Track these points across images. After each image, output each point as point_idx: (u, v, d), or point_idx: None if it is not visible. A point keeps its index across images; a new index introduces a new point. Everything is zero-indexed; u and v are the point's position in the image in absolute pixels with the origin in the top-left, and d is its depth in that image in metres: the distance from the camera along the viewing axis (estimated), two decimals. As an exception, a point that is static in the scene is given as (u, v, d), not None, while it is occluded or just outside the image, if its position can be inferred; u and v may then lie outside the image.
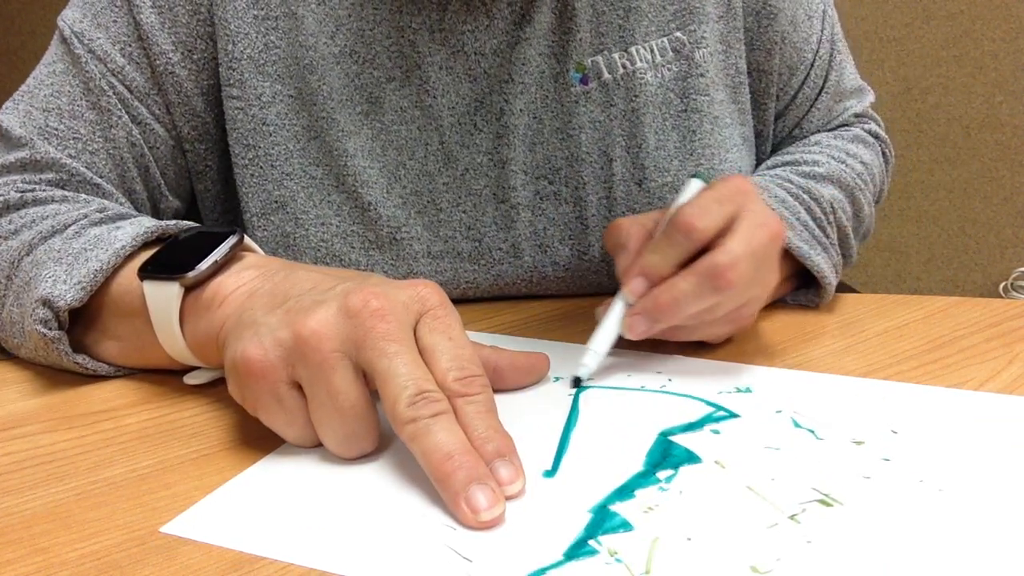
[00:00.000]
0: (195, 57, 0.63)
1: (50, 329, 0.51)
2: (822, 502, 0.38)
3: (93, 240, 0.53)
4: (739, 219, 0.51)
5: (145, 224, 0.53)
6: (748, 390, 0.50)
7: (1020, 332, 0.58)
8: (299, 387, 0.41)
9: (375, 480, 0.40)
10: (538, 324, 0.63)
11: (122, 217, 0.58)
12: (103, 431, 0.46)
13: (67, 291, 0.50)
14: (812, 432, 0.44)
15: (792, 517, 0.37)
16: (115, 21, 0.62)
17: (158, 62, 0.62)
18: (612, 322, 0.52)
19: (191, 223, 0.54)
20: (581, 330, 0.61)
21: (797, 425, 0.45)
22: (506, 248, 0.67)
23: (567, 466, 0.41)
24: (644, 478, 0.40)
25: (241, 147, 0.64)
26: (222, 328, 0.45)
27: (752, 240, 0.50)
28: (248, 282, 0.47)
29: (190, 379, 0.50)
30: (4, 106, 0.64)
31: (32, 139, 0.61)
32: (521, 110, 0.66)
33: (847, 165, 0.72)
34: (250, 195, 0.65)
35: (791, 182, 0.67)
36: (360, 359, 0.40)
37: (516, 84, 0.65)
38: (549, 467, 0.41)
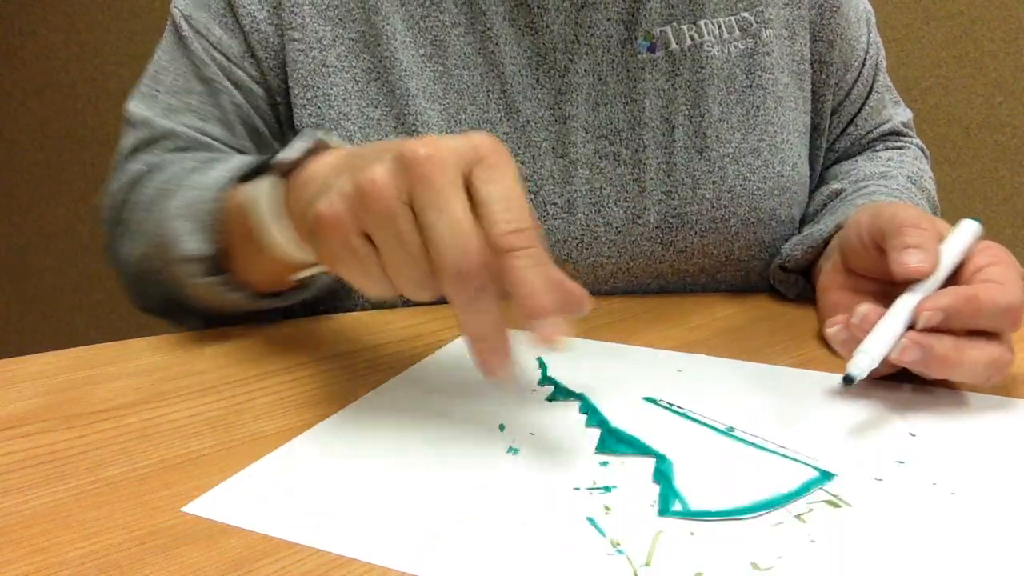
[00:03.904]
0: (281, 15, 0.68)
1: (204, 277, 0.56)
2: (830, 503, 0.38)
3: (198, 185, 0.58)
4: None
5: (234, 162, 0.58)
6: (751, 392, 0.50)
7: (1020, 332, 0.58)
8: (369, 239, 0.42)
9: (398, 466, 0.40)
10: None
11: (217, 160, 0.62)
12: (103, 431, 0.46)
13: (200, 242, 0.56)
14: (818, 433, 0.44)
15: (798, 516, 0.36)
16: None
17: (246, 22, 0.67)
18: (895, 325, 0.47)
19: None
20: (590, 328, 0.61)
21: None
22: (561, 203, 0.68)
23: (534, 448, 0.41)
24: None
25: (300, 88, 0.67)
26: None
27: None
28: (333, 158, 0.48)
29: (299, 276, 0.54)
30: (131, 96, 0.71)
31: (153, 119, 0.68)
32: (586, 71, 0.68)
33: (925, 183, 0.76)
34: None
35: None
36: (414, 207, 0.40)
37: (581, 45, 0.68)
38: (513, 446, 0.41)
